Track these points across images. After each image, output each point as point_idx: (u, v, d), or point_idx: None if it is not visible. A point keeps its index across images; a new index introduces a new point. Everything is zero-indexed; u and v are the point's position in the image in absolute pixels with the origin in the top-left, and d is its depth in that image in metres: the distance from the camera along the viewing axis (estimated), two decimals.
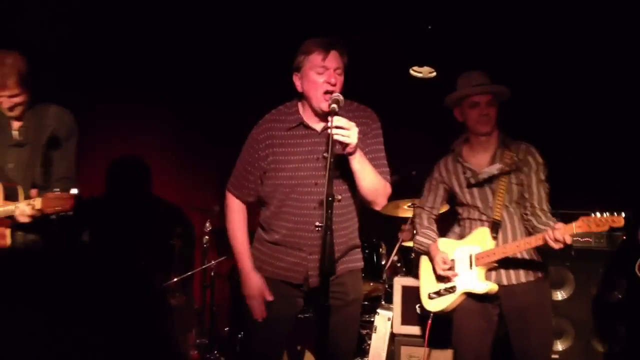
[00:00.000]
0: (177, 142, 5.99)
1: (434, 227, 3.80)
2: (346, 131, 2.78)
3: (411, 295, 4.39)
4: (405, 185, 5.01)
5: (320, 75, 2.98)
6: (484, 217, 3.57)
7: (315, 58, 2.99)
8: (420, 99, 5.62)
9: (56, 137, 3.58)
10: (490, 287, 3.49)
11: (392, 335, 4.47)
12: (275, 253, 3.15)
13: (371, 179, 3.01)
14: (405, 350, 4.35)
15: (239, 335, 4.85)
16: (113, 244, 4.90)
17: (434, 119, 5.61)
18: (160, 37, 5.50)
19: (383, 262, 4.91)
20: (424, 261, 3.78)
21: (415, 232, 3.94)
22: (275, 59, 5.35)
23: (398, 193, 5.02)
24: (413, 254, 4.76)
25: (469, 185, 3.61)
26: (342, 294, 3.10)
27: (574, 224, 3.20)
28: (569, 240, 3.20)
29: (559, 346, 4.66)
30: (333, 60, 2.99)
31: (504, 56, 5.24)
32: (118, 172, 5.32)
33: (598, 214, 3.16)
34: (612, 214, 3.15)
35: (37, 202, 3.24)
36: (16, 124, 3.55)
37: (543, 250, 3.47)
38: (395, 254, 5.03)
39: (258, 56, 5.71)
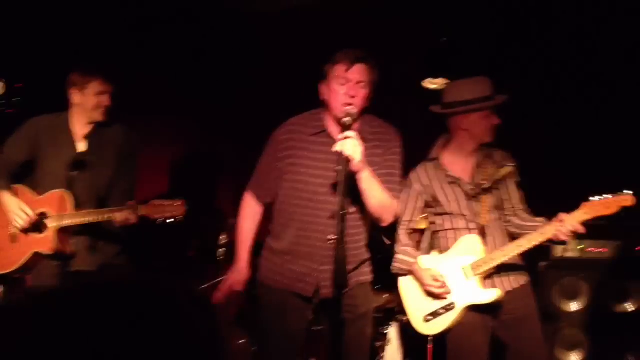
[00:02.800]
0: (192, 154, 6.04)
1: (412, 243, 3.57)
2: (352, 145, 2.82)
3: None
4: None
5: (341, 87, 3.02)
6: (472, 225, 3.42)
7: (340, 69, 3.03)
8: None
9: (123, 153, 3.74)
10: (497, 293, 3.37)
11: None
12: (286, 264, 3.17)
13: (379, 198, 3.03)
14: None
15: (253, 349, 4.86)
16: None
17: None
18: (185, 44, 5.59)
19: None
20: (407, 282, 3.54)
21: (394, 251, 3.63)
22: (294, 73, 5.42)
23: None
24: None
25: (462, 196, 3.45)
26: (352, 307, 3.11)
27: (580, 212, 3.14)
28: (581, 229, 3.15)
29: (573, 358, 4.63)
30: (357, 73, 3.02)
31: (514, 64, 5.26)
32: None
33: (604, 196, 3.07)
34: (615, 193, 3.07)
35: (141, 209, 3.42)
36: (81, 136, 3.67)
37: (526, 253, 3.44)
38: None
39: (278, 70, 5.74)
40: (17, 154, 3.70)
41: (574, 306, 4.67)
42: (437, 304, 3.42)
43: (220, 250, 5.24)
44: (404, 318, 4.52)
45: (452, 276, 3.40)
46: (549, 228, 3.22)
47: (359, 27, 5.53)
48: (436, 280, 3.39)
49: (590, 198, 3.12)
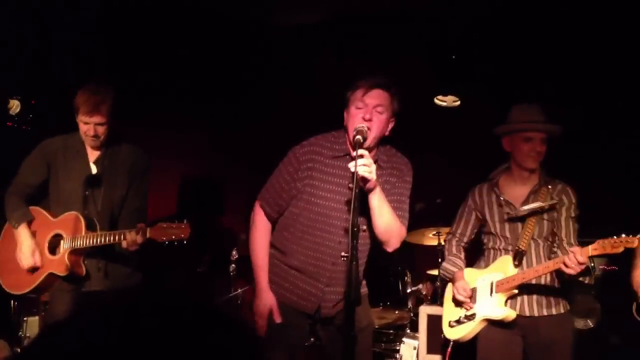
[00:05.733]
0: (204, 169, 6.08)
1: (462, 255, 3.77)
2: (367, 167, 2.84)
3: (437, 323, 4.37)
4: (431, 213, 5.05)
5: (359, 110, 3.03)
6: (509, 248, 3.57)
7: (358, 93, 3.06)
8: (444, 127, 5.66)
9: (134, 172, 3.74)
10: (508, 312, 3.49)
11: None
12: (291, 278, 3.18)
13: (388, 218, 3.06)
14: None
15: None
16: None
17: (459, 147, 5.68)
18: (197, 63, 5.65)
19: (408, 291, 4.92)
20: (449, 289, 3.78)
21: (442, 259, 3.91)
22: (305, 90, 5.46)
23: (423, 221, 5.06)
24: (438, 282, 4.79)
25: (505, 218, 3.59)
26: (354, 321, 3.08)
27: (589, 247, 3.23)
28: (582, 260, 3.19)
29: None
30: (374, 97, 3.03)
31: (524, 82, 5.28)
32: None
33: (615, 237, 3.19)
34: (627, 235, 3.18)
35: (148, 232, 3.40)
36: (93, 157, 3.68)
37: (569, 281, 3.50)
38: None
39: (292, 87, 5.78)
40: (33, 177, 3.72)
41: (586, 323, 4.65)
42: (462, 313, 3.65)
43: (231, 265, 5.25)
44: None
45: (482, 290, 3.60)
46: (560, 258, 3.32)
47: (368, 39, 5.60)
48: (464, 290, 3.59)
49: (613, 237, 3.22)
